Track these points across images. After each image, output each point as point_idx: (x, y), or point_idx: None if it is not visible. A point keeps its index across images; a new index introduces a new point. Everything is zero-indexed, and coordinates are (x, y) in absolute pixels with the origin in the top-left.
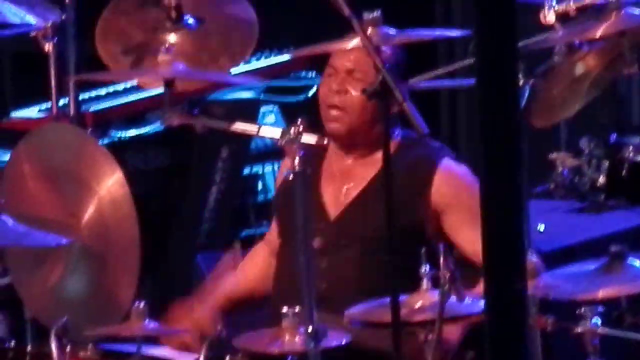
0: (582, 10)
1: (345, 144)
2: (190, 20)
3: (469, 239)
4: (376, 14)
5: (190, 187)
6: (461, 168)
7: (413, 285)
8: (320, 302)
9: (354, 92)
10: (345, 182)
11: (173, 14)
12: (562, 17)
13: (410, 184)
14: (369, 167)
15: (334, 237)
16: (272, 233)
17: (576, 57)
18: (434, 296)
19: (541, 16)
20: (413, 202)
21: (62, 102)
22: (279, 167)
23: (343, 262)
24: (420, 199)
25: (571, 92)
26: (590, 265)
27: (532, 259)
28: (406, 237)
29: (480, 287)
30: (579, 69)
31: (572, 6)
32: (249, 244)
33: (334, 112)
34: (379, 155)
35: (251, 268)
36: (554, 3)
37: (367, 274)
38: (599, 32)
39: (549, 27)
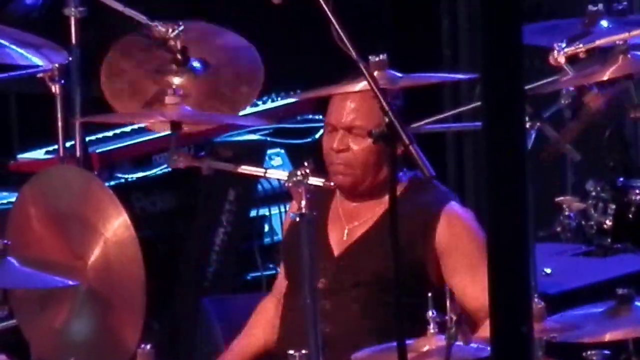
0: (591, 52)
1: (352, 195)
2: (196, 64)
3: (461, 284)
4: (382, 57)
5: (196, 229)
6: (466, 213)
7: (418, 327)
8: (324, 344)
9: (355, 147)
10: (349, 222)
11: (179, 56)
12: (571, 60)
13: (415, 226)
14: (375, 208)
15: (338, 277)
16: (279, 282)
17: (586, 99)
18: (441, 340)
19: (551, 58)
20: (417, 244)
21: (68, 144)
22: (285, 210)
23: (347, 302)
24: (424, 241)
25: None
26: (597, 309)
27: (538, 302)
28: (410, 278)
29: (482, 331)
30: (588, 109)
31: (582, 48)
32: (255, 287)
33: (339, 168)
34: (385, 196)
35: (261, 323)
36: (563, 45)
37: (371, 315)
38: (605, 75)
39: (558, 70)
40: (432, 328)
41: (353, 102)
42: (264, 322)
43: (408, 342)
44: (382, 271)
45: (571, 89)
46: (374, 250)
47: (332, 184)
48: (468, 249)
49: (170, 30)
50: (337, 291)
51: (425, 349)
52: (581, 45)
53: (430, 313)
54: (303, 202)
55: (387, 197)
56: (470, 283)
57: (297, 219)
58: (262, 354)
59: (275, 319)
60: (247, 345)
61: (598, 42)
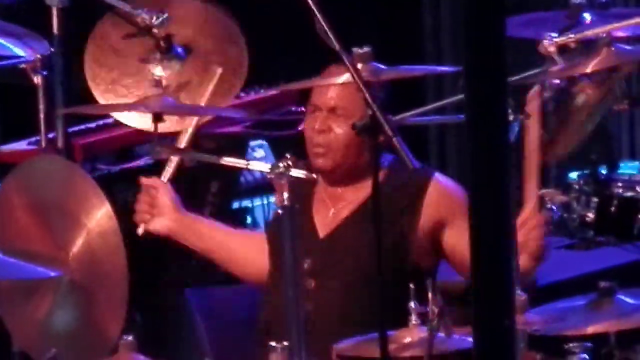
0: (580, 43)
1: (332, 178)
2: (180, 51)
3: (464, 243)
4: (366, 49)
5: None
6: (451, 182)
7: (400, 319)
8: (306, 323)
9: (338, 130)
10: (335, 204)
11: (162, 44)
12: (562, 50)
13: (398, 204)
14: (359, 191)
15: (324, 257)
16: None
17: (576, 88)
18: (423, 332)
19: (541, 47)
20: (403, 221)
21: (51, 135)
22: (268, 202)
23: (331, 282)
24: (411, 218)
25: (570, 125)
26: (580, 302)
27: (521, 294)
28: (395, 257)
29: None
30: (579, 99)
31: (573, 39)
32: (236, 280)
33: (319, 150)
34: (368, 180)
35: (245, 242)
36: (554, 35)
37: (354, 296)
38: (589, 68)
39: (542, 63)
40: (414, 319)
41: (336, 84)
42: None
43: (390, 333)
44: (366, 253)
45: (555, 82)
46: (358, 233)
47: (314, 176)
48: (464, 210)
49: (154, 18)
50: (322, 271)
51: (407, 340)
52: (572, 36)
53: (412, 304)
54: (286, 195)
55: (370, 181)
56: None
57: (280, 211)
58: (216, 253)
59: (251, 254)
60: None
61: (588, 33)
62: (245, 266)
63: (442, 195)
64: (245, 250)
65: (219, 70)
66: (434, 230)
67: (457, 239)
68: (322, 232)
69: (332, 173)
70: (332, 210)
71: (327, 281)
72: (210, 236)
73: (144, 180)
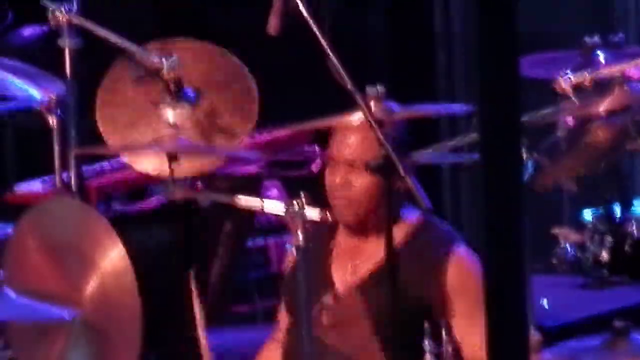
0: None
1: (356, 231)
2: (190, 94)
3: (461, 330)
4: (379, 88)
5: (192, 261)
6: (473, 258)
7: (416, 355)
8: None
9: (357, 183)
10: (353, 258)
11: (172, 87)
12: (577, 88)
13: (424, 265)
14: (379, 245)
15: (342, 314)
16: (280, 322)
17: (589, 127)
18: None
19: (557, 86)
20: (427, 282)
21: (65, 175)
22: (282, 241)
23: (350, 339)
24: (434, 281)
25: (575, 158)
26: (594, 341)
27: (535, 334)
28: (416, 317)
29: None
30: (589, 138)
31: (588, 77)
32: (251, 319)
33: (341, 203)
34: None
35: None
36: (569, 73)
37: (373, 351)
38: (602, 107)
39: (561, 99)
40: (428, 359)
41: (354, 136)
42: None
43: None
44: (388, 309)
45: (569, 121)
46: (378, 289)
47: (328, 215)
48: (473, 295)
49: (163, 61)
50: (340, 327)
51: None
52: (586, 74)
53: (426, 343)
54: (300, 234)
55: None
56: (470, 331)
57: (294, 252)
58: None
59: None
60: None
61: (604, 72)
62: None
63: (458, 273)
64: None
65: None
66: (445, 301)
67: (459, 314)
68: (340, 288)
69: (357, 225)
70: (350, 264)
71: (346, 337)
72: None
73: None
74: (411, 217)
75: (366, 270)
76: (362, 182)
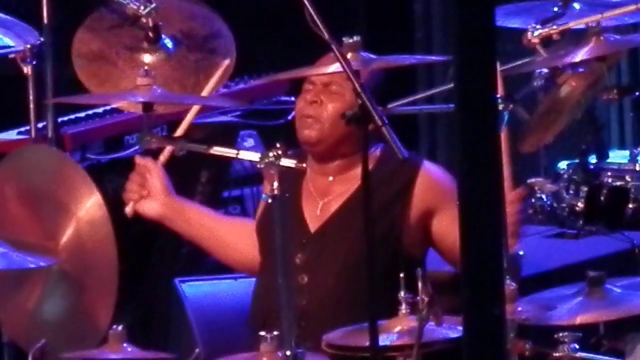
0: (564, 34)
1: (317, 154)
2: (168, 42)
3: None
4: (356, 38)
5: None
6: (442, 170)
7: (391, 308)
8: (300, 318)
9: (329, 104)
10: (323, 197)
11: (151, 34)
12: (545, 41)
13: (389, 192)
14: (347, 183)
15: (315, 252)
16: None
17: (561, 79)
18: (413, 321)
19: (524, 39)
20: (392, 209)
21: (40, 124)
22: (258, 191)
23: (323, 277)
24: (401, 204)
25: (555, 114)
26: (569, 291)
27: (510, 284)
28: (386, 247)
29: None
30: (564, 90)
31: (555, 30)
32: (227, 268)
33: (308, 120)
34: (356, 171)
35: (234, 228)
36: (537, 27)
37: (347, 289)
38: (578, 57)
39: (531, 51)
40: (404, 309)
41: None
42: (236, 231)
43: (380, 322)
44: (357, 245)
45: (544, 71)
46: (349, 225)
47: (304, 165)
48: (454, 203)
49: (142, 7)
50: (314, 266)
51: (397, 329)
52: (554, 27)
53: (402, 294)
54: (275, 184)
55: (358, 172)
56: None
57: (270, 201)
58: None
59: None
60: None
61: (571, 24)
62: (235, 254)
63: (431, 184)
64: (235, 238)
65: (226, 62)
66: (423, 219)
67: (446, 228)
68: (312, 227)
69: (317, 145)
70: (320, 203)
71: (320, 276)
72: (200, 223)
73: (138, 160)
74: (375, 150)
75: (337, 208)
76: (334, 104)
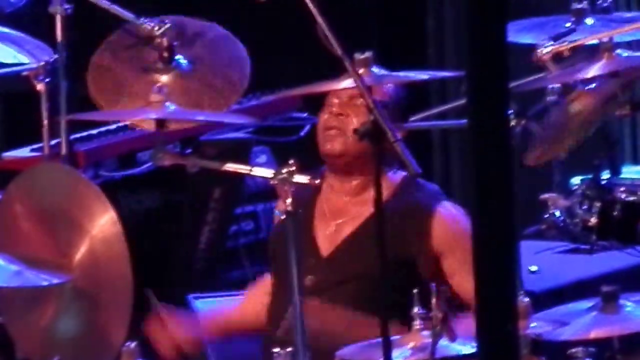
0: (576, 50)
1: (339, 167)
2: (183, 61)
3: (464, 282)
4: (368, 54)
5: (182, 227)
6: (459, 211)
7: (405, 325)
8: (312, 341)
9: (355, 118)
10: (336, 218)
11: (165, 54)
12: (556, 57)
13: (407, 224)
14: (363, 206)
15: (326, 275)
16: (264, 285)
17: (571, 97)
18: (426, 337)
19: (534, 56)
20: (410, 242)
21: (53, 142)
22: (271, 207)
23: (334, 300)
24: (418, 240)
25: (564, 131)
26: (583, 306)
27: (524, 300)
28: (400, 276)
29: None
30: (574, 107)
31: (566, 46)
32: (241, 285)
33: (331, 132)
34: (372, 194)
35: (251, 301)
36: (548, 43)
37: (360, 314)
38: (590, 73)
39: (543, 68)
40: (417, 324)
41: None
42: (255, 303)
43: (393, 338)
44: (370, 269)
45: (557, 86)
46: (362, 249)
47: (317, 181)
48: (467, 247)
49: (156, 27)
50: (325, 288)
51: (411, 345)
52: (565, 43)
53: (415, 309)
54: (289, 200)
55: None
56: (467, 279)
57: (283, 217)
58: (241, 329)
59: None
60: (234, 312)
61: (583, 40)
62: (264, 319)
63: (447, 229)
64: (257, 310)
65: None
66: (435, 258)
67: (457, 269)
68: (324, 250)
69: (340, 158)
70: (333, 224)
71: (331, 299)
72: (225, 328)
73: (148, 331)
74: (396, 177)
75: (351, 231)
76: (359, 118)
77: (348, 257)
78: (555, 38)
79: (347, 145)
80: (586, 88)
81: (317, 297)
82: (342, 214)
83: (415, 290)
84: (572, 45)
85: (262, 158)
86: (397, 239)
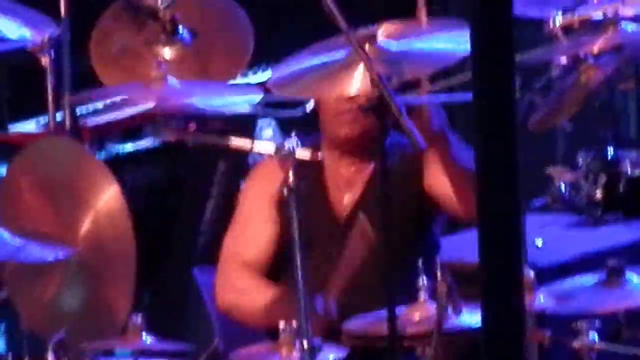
0: (583, 24)
1: (350, 150)
2: (185, 34)
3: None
4: (372, 28)
5: (186, 201)
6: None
7: (410, 290)
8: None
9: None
10: (348, 189)
11: (168, 27)
12: (566, 30)
13: (404, 170)
14: (363, 173)
15: (345, 240)
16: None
17: (582, 68)
18: (432, 308)
19: (546, 27)
20: (410, 181)
21: (59, 115)
22: None
23: (355, 264)
24: (416, 177)
25: (569, 99)
26: (588, 280)
27: (529, 273)
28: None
29: None
30: (582, 79)
31: (576, 18)
32: None
33: (347, 117)
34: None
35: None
36: (559, 14)
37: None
38: (595, 47)
39: (552, 40)
40: (423, 295)
41: None
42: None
43: (399, 310)
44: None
45: (563, 59)
46: (372, 209)
47: (319, 156)
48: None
49: (160, 1)
50: (346, 254)
51: (417, 316)
52: (576, 15)
53: (421, 280)
54: (291, 175)
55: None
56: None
57: (285, 192)
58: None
59: None
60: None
61: (592, 13)
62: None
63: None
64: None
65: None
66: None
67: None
68: (340, 217)
69: (356, 142)
70: (346, 194)
71: (352, 264)
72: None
73: None
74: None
75: (359, 196)
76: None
77: (365, 216)
78: (566, 10)
79: (365, 127)
80: (595, 62)
81: (337, 261)
82: (353, 185)
83: (420, 261)
84: (582, 17)
85: (268, 131)
86: (399, 183)
